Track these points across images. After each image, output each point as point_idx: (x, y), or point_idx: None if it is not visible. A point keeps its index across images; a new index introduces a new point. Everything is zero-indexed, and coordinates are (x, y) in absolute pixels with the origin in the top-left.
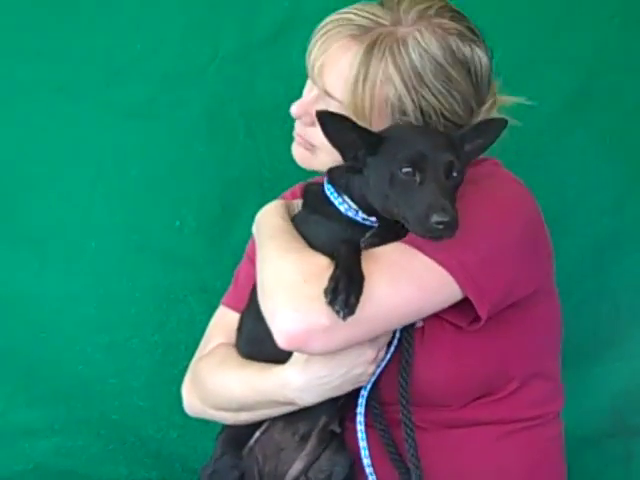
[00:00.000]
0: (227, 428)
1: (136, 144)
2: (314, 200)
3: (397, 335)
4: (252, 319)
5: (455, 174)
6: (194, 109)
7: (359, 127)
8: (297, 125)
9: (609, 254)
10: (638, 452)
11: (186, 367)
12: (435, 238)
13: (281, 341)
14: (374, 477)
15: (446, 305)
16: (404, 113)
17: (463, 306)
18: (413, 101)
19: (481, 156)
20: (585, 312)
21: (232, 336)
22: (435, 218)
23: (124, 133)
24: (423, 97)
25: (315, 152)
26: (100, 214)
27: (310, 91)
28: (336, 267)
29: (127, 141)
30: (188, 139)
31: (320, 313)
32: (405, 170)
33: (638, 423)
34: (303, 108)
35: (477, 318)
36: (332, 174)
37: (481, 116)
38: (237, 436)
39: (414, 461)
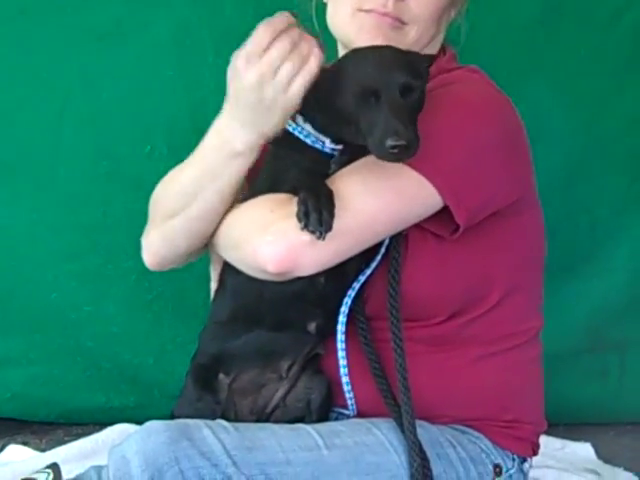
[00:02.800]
0: (193, 370)
1: (104, 68)
2: (281, 136)
3: (385, 243)
4: (234, 273)
5: (413, 93)
6: (162, 32)
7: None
8: (386, 5)
9: (583, 171)
10: (614, 367)
11: (160, 293)
12: (393, 161)
13: (270, 268)
14: (352, 395)
15: (427, 213)
16: None
17: (444, 215)
18: None
19: (460, 64)
20: (561, 228)
21: None
22: (389, 142)
23: (91, 57)
24: None
25: (404, 30)
26: (68, 140)
27: None
28: (300, 192)
29: (95, 65)
30: (156, 62)
31: (297, 229)
32: (359, 95)
33: (614, 338)
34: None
35: (457, 227)
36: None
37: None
38: (205, 379)
39: (402, 372)
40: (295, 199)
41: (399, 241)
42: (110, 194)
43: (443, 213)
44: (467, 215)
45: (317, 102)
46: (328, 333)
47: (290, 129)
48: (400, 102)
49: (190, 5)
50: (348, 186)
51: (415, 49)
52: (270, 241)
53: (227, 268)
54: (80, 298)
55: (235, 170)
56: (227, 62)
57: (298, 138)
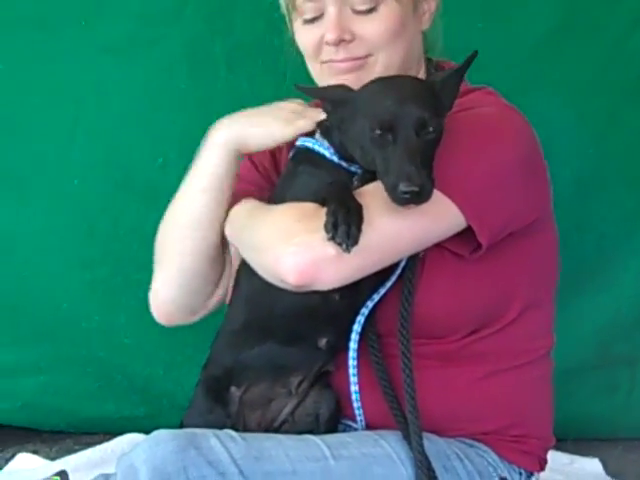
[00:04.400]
0: (204, 381)
1: (117, 81)
2: (300, 153)
3: (401, 264)
4: (249, 274)
5: (430, 129)
6: (174, 45)
7: (334, 87)
8: (338, 53)
9: (593, 185)
10: (623, 382)
11: None
12: (404, 206)
13: (291, 279)
14: (361, 411)
15: (449, 233)
16: None
17: (464, 235)
18: None
19: (473, 85)
20: (570, 243)
21: None
22: (402, 187)
23: (104, 70)
24: None
25: (369, 62)
26: (82, 151)
27: (328, 11)
28: (330, 202)
29: (108, 78)
30: (169, 75)
31: (323, 243)
32: (377, 132)
33: (623, 354)
34: (338, 26)
35: (478, 247)
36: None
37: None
38: (216, 390)
39: (410, 392)
40: (322, 211)
41: (415, 262)
42: (122, 205)
43: (463, 232)
44: (490, 235)
45: (338, 125)
46: (339, 350)
47: (310, 145)
48: (415, 141)
49: (202, 20)
50: (374, 202)
51: (399, 70)
52: (294, 252)
53: (243, 268)
54: (91, 308)
55: (210, 164)
56: (238, 75)
57: (319, 154)
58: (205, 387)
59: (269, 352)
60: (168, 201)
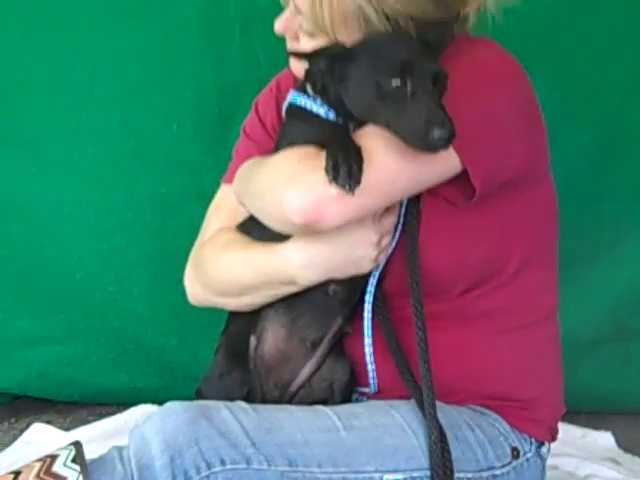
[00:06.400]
0: (225, 340)
1: (131, 48)
2: (292, 111)
3: (401, 220)
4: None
5: (441, 82)
6: (189, 11)
7: (330, 46)
8: (287, 41)
9: (610, 156)
10: (636, 356)
11: None
12: (432, 152)
13: (296, 218)
14: (374, 375)
15: (445, 176)
16: (369, 23)
17: (459, 182)
18: (375, 10)
19: (475, 36)
20: (585, 216)
21: (233, 218)
22: (437, 134)
23: (118, 37)
24: (384, 2)
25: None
26: (96, 120)
27: (287, 6)
28: (329, 146)
29: (122, 45)
30: (184, 42)
31: (325, 183)
32: (394, 81)
33: (636, 327)
34: (283, 24)
35: (472, 194)
36: (310, 78)
37: (471, 17)
38: (237, 347)
39: (423, 346)
40: (322, 152)
41: (415, 216)
42: (136, 173)
43: (458, 180)
44: (483, 178)
45: (336, 82)
46: (352, 306)
47: (304, 103)
48: (434, 91)
49: None
50: (372, 143)
51: None
52: (297, 192)
53: (256, 226)
54: (105, 278)
55: (284, 291)
56: (253, 42)
57: (313, 113)
58: (225, 345)
59: (283, 299)
60: (182, 169)
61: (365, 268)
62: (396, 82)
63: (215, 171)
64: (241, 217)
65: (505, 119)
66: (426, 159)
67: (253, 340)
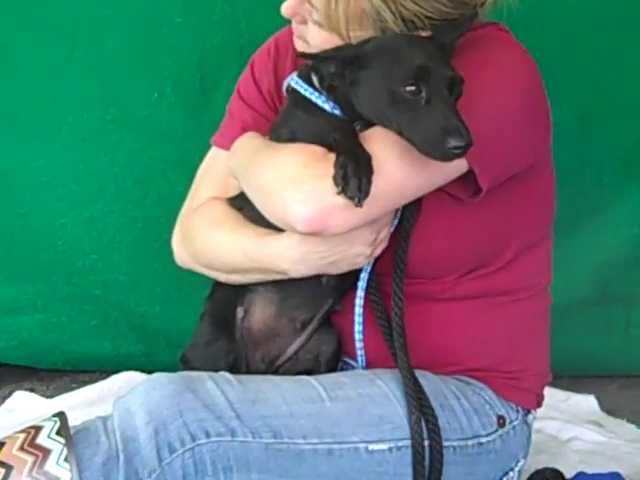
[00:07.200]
0: (211, 306)
1: (111, 15)
2: (297, 97)
3: (400, 207)
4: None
5: (457, 88)
6: None
7: (340, 48)
8: (293, 22)
9: (593, 122)
10: (619, 319)
11: (167, 241)
12: (447, 161)
13: (300, 227)
14: (363, 352)
15: (452, 177)
16: (384, 24)
17: (464, 178)
18: (393, 12)
19: (484, 21)
20: (568, 181)
21: (225, 186)
22: (453, 143)
23: (98, 3)
24: (402, 5)
25: (312, 48)
26: (75, 87)
27: None
28: (338, 153)
29: (102, 12)
30: (164, 9)
31: (332, 192)
32: (409, 88)
33: (620, 291)
34: (291, 9)
35: (478, 190)
36: (318, 73)
37: (486, 10)
38: (223, 315)
39: (399, 326)
40: (329, 155)
41: (415, 204)
42: (117, 141)
43: (463, 176)
44: (490, 179)
45: (348, 85)
46: (345, 290)
47: (308, 95)
48: (450, 98)
49: None
50: (382, 150)
51: None
52: (302, 200)
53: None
54: (86, 246)
55: (274, 277)
56: (235, 9)
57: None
58: (211, 313)
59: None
60: (163, 137)
61: (360, 264)
62: (410, 89)
63: (197, 138)
64: (232, 185)
65: (515, 120)
66: (436, 166)
67: (240, 311)
